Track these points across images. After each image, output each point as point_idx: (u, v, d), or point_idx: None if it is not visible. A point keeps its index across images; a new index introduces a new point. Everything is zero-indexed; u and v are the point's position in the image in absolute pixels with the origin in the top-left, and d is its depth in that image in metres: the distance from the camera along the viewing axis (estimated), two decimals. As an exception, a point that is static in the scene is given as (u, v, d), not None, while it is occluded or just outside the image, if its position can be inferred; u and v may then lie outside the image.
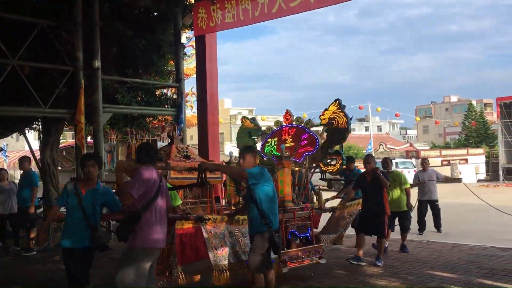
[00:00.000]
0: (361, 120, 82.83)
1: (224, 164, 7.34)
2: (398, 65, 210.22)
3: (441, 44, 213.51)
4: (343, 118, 7.08)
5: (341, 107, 7.14)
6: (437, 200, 10.75)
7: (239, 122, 45.45)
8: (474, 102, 68.73)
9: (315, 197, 7.61)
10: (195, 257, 5.60)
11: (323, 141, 7.26)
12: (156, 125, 15.95)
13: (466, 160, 36.91)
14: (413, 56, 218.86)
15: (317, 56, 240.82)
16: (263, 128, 8.51)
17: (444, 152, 41.11)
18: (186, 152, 8.52)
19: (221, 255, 5.57)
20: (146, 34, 11.07)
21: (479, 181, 30.11)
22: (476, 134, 57.30)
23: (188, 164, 8.08)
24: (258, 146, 8.12)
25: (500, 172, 28.19)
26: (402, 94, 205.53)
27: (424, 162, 11.11)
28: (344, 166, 7.59)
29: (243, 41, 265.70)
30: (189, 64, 21.49)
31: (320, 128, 7.46)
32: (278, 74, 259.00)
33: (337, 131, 7.13)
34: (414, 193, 9.40)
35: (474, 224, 12.06)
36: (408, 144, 54.52)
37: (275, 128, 7.92)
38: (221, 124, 57.24)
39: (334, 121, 7.15)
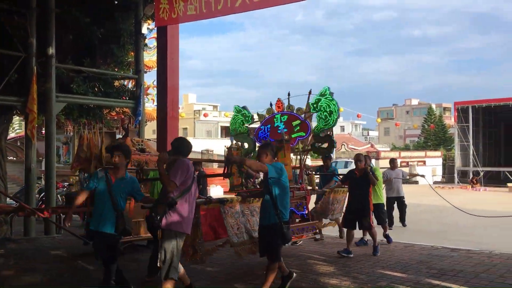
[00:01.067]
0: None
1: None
2: (363, 67, 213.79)
3: (405, 47, 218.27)
4: (333, 105, 7.68)
5: (331, 95, 7.74)
6: (403, 197, 11.60)
7: (203, 118, 44.82)
8: (433, 106, 70.67)
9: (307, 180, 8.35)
10: (216, 236, 6.28)
11: (314, 126, 7.87)
12: (116, 118, 15.58)
13: (424, 162, 37.80)
14: (377, 58, 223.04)
15: (285, 54, 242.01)
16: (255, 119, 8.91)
17: (403, 153, 41.99)
18: (142, 145, 8.33)
19: (237, 234, 6.14)
20: (105, 22, 10.75)
21: (435, 182, 30.91)
22: (434, 137, 58.87)
23: (144, 157, 7.91)
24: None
25: (455, 175, 29.04)
26: (365, 95, 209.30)
27: (393, 162, 11.75)
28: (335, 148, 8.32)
29: (210, 36, 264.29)
30: (152, 56, 21.13)
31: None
32: (246, 71, 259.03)
33: (326, 119, 7.74)
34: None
35: (428, 224, 12.32)
36: (369, 145, 55.51)
37: (267, 116, 8.34)
38: (185, 119, 56.87)
39: (324, 109, 7.73)
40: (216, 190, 20.89)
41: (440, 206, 16.05)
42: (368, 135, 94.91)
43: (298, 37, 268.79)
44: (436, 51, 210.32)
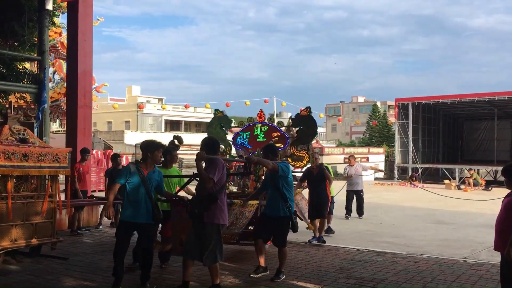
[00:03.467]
0: (272, 116, 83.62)
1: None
2: (313, 65, 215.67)
3: (353, 47, 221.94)
4: (311, 122, 8.23)
5: (310, 113, 8.26)
6: (362, 191, 12.65)
7: (146, 110, 42.98)
8: (378, 104, 71.70)
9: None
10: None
11: (292, 140, 8.35)
12: (24, 106, 14.01)
13: (367, 159, 37.86)
14: (327, 56, 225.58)
15: (237, 50, 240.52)
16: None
17: (347, 149, 41.98)
18: (23, 135, 7.07)
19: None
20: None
21: (376, 179, 30.86)
22: (378, 134, 59.61)
23: (25, 149, 6.68)
24: (229, 137, 9.03)
25: (395, 171, 28.98)
26: (315, 93, 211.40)
27: (351, 158, 13.00)
28: (310, 164, 8.73)
29: (162, 29, 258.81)
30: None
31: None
32: (198, 66, 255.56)
33: (306, 133, 8.24)
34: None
35: (358, 224, 11.66)
36: (314, 141, 55.37)
37: (247, 123, 8.78)
38: (127, 112, 54.60)
39: (303, 124, 8.24)
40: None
41: (375, 204, 15.64)
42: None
43: (250, 33, 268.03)
44: (383, 51, 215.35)
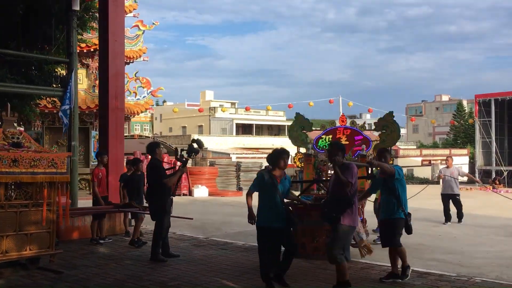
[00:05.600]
0: (351, 117, 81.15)
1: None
2: (396, 64, 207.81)
3: (440, 44, 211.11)
4: (394, 126, 8.65)
5: (393, 117, 8.70)
6: (458, 194, 12.35)
7: (219, 115, 43.49)
8: (464, 102, 66.78)
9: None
10: None
11: (376, 143, 8.71)
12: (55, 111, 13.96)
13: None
14: (411, 55, 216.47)
15: (316, 53, 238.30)
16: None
17: (424, 151, 39.45)
18: (18, 138, 6.65)
19: None
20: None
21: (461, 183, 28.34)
22: (464, 135, 55.45)
23: (14, 154, 6.23)
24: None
25: (477, 174, 26.26)
26: (397, 92, 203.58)
27: (449, 159, 12.83)
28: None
29: (242, 36, 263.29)
30: (133, 46, 19.65)
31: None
32: (277, 70, 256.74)
33: (390, 136, 8.65)
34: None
35: (412, 235, 10.17)
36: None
37: (329, 127, 9.00)
38: (200, 116, 55.46)
39: (387, 128, 8.65)
40: (201, 191, 19.18)
41: (441, 211, 13.90)
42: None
43: (329, 35, 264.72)
44: (473, 47, 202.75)
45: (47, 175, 6.54)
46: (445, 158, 14.89)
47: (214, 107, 52.58)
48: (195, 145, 7.85)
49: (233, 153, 31.01)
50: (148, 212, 7.80)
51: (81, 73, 17.84)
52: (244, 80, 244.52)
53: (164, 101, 78.78)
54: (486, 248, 8.90)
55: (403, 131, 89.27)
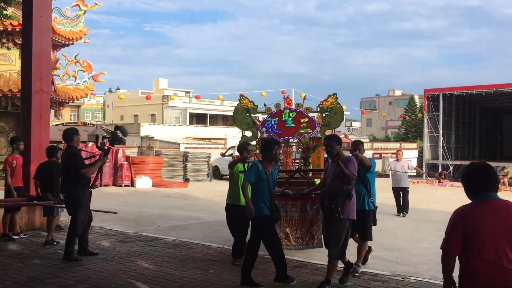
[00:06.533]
0: (307, 109, 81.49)
1: None
2: (353, 59, 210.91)
3: (396, 40, 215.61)
4: (338, 107, 8.61)
5: (336, 99, 8.61)
6: (407, 187, 12.71)
7: (172, 104, 42.17)
8: (416, 97, 68.16)
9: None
10: None
11: (321, 125, 8.54)
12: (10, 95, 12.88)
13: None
14: (368, 50, 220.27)
15: (275, 45, 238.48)
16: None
17: (376, 144, 39.93)
18: None
19: None
20: None
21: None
22: (415, 129, 56.57)
23: None
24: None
25: (424, 168, 26.49)
26: (354, 87, 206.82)
27: (399, 153, 13.19)
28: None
29: (201, 24, 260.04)
30: (73, 27, 18.50)
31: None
32: (236, 61, 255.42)
33: (334, 118, 8.60)
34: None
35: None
36: (343, 136, 53.28)
37: (275, 109, 8.77)
38: (153, 105, 54.02)
39: (331, 110, 8.57)
40: (144, 182, 18.35)
41: (385, 204, 13.71)
42: (351, 126, 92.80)
43: (289, 27, 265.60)
44: (427, 44, 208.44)
45: None
46: (395, 151, 14.85)
47: (168, 96, 51.27)
48: (119, 133, 7.18)
49: (183, 143, 30.16)
50: (64, 206, 7.08)
51: (14, 53, 16.60)
52: (202, 70, 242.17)
53: (118, 88, 76.65)
54: (425, 244, 8.66)
55: (357, 124, 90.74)
